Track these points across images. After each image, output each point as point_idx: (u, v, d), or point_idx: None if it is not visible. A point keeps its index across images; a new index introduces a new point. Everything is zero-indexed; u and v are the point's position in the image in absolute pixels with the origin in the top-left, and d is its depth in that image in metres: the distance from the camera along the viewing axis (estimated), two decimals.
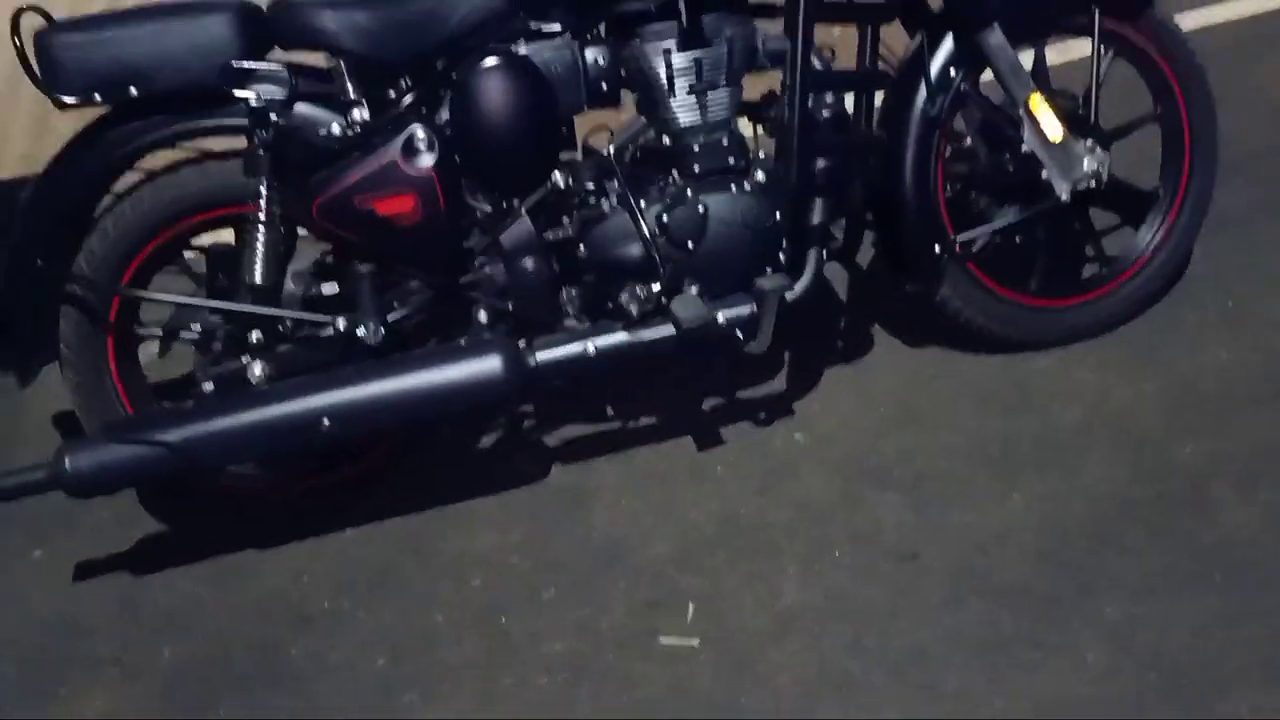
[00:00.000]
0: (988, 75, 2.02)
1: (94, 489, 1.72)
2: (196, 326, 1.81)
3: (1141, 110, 2.18)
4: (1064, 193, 2.02)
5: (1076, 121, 2.03)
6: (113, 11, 1.75)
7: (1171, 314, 2.22)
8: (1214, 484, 1.83)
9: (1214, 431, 1.93)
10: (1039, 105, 1.98)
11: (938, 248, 2.03)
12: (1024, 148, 2.01)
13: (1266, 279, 2.26)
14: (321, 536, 1.97)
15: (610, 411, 2.18)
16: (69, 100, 1.68)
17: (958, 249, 2.06)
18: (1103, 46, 2.04)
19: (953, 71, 1.98)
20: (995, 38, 1.95)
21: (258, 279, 1.76)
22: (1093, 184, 2.03)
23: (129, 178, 1.79)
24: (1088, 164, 2.02)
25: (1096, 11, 2.01)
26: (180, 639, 1.83)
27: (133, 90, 1.68)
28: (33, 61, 1.67)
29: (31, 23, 1.70)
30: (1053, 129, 1.98)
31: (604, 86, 1.83)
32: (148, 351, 1.92)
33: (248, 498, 1.96)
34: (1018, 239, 2.14)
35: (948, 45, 1.97)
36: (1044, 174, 2.02)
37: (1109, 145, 2.07)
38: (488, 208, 1.83)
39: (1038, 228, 2.14)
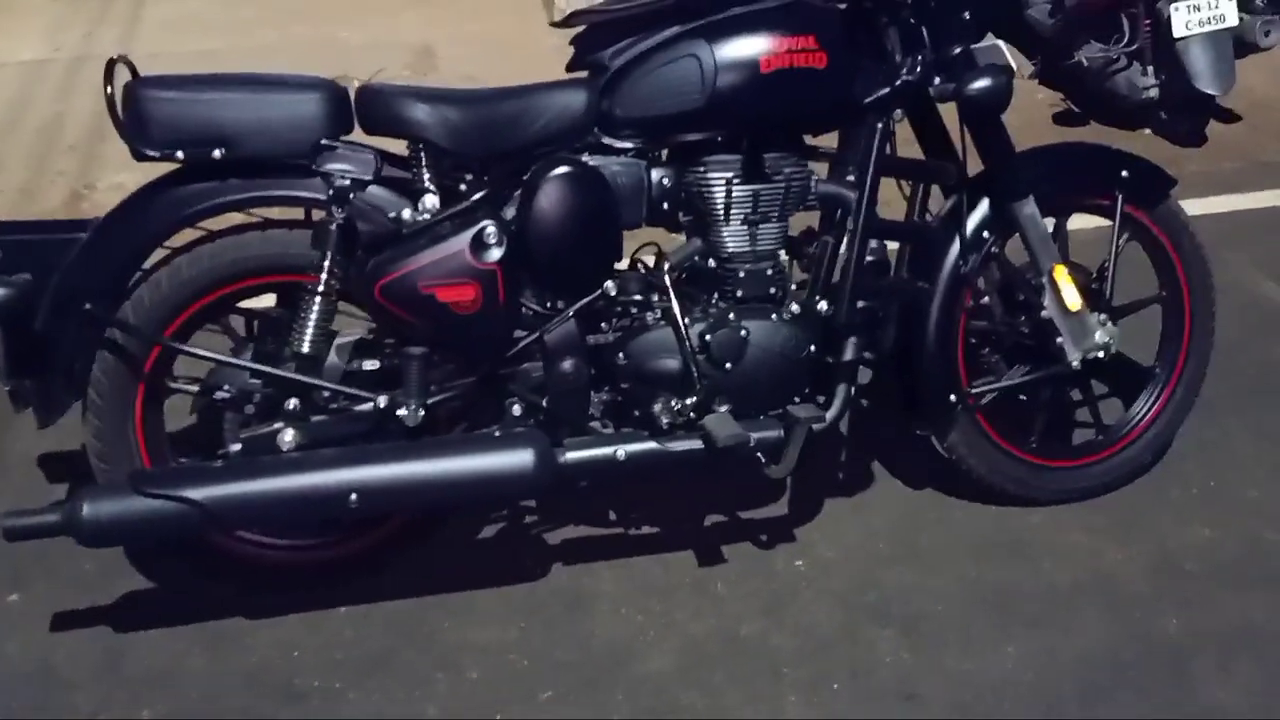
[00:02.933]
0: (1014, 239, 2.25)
1: (108, 539, 1.77)
2: (232, 387, 1.90)
3: (1147, 290, 2.43)
4: (1075, 360, 2.24)
5: (1091, 294, 2.26)
6: (207, 75, 1.88)
7: (1158, 487, 2.43)
8: (1197, 659, 2.00)
9: (1197, 607, 2.12)
10: (1062, 276, 2.20)
11: (952, 397, 2.22)
12: (1043, 313, 2.23)
13: (1242, 463, 2.50)
14: (317, 611, 2.03)
15: (612, 515, 2.30)
16: (151, 154, 1.79)
17: (970, 400, 2.25)
18: (1120, 228, 2.29)
19: (985, 233, 2.20)
20: (1029, 208, 2.18)
21: (306, 348, 1.87)
22: (1101, 354, 2.25)
23: (182, 236, 1.90)
24: (1099, 336, 2.24)
25: (1120, 197, 2.26)
26: (162, 702, 1.87)
27: (218, 153, 1.80)
28: (119, 112, 1.79)
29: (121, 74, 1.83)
30: (1072, 299, 2.20)
31: (664, 206, 2.00)
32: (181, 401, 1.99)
33: (249, 562, 2.01)
34: (1022, 397, 2.35)
35: (983, 209, 2.19)
36: (1058, 340, 2.23)
37: (1118, 319, 2.30)
38: (537, 306, 1.97)
39: (1042, 389, 2.34)
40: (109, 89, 1.80)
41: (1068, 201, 2.30)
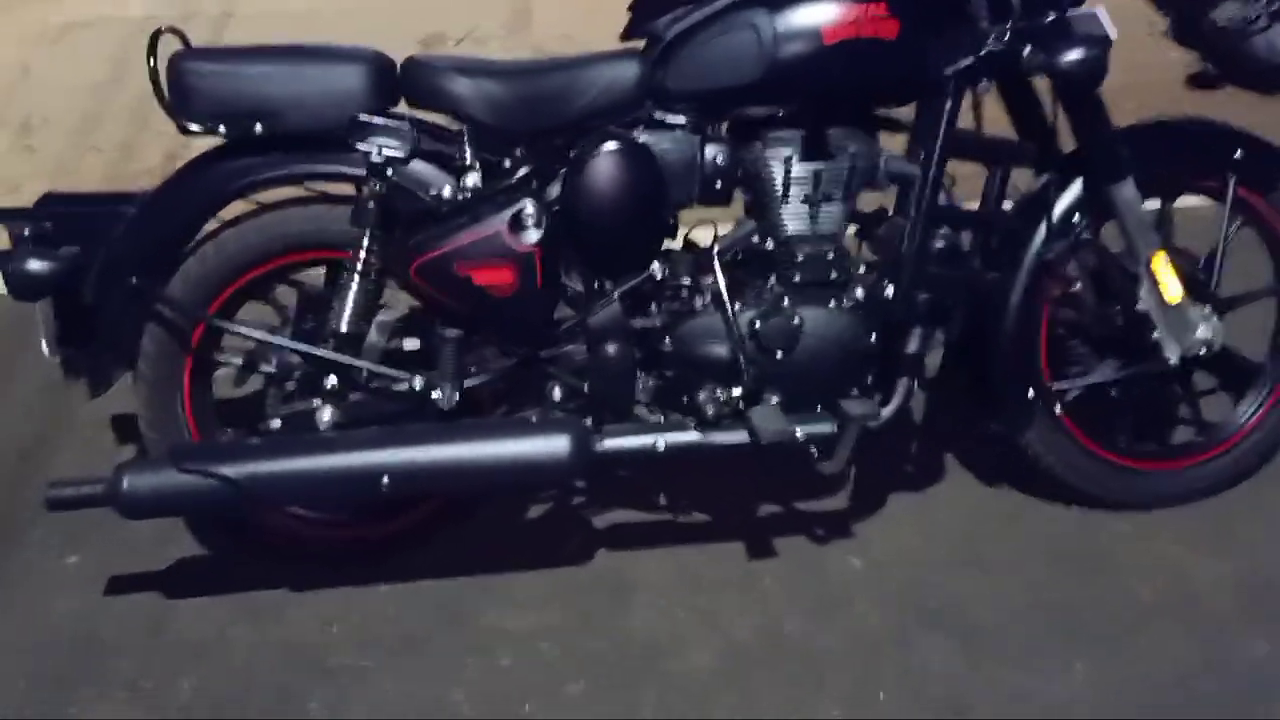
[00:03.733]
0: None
1: (148, 512, 1.82)
2: (274, 363, 1.91)
3: (1260, 281, 2.23)
4: (1174, 357, 2.08)
5: (1195, 285, 2.09)
6: (250, 46, 1.87)
7: (1261, 496, 2.25)
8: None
9: None
10: (1161, 265, 2.04)
11: (1031, 392, 2.09)
12: (1139, 305, 2.07)
13: None
14: (356, 588, 2.05)
15: (662, 501, 2.26)
16: (194, 128, 1.80)
17: (1052, 395, 2.11)
18: (1232, 213, 2.11)
19: (1076, 217, 2.04)
20: (1127, 190, 2.01)
21: (344, 327, 1.86)
22: (1203, 352, 2.08)
23: (234, 207, 1.91)
24: (1202, 331, 2.07)
25: (1232, 180, 2.07)
26: (200, 671, 1.91)
27: (258, 127, 1.79)
28: (164, 85, 1.79)
29: (166, 46, 1.83)
30: (1173, 291, 2.04)
31: (717, 184, 1.91)
32: (223, 376, 2.02)
33: (291, 537, 2.04)
34: (1112, 393, 2.20)
35: (1075, 190, 2.03)
36: (1155, 334, 2.08)
37: (1224, 313, 2.12)
38: (581, 287, 1.92)
39: (1135, 386, 2.19)
40: (153, 60, 1.80)
41: (1173, 183, 2.12)
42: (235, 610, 2.02)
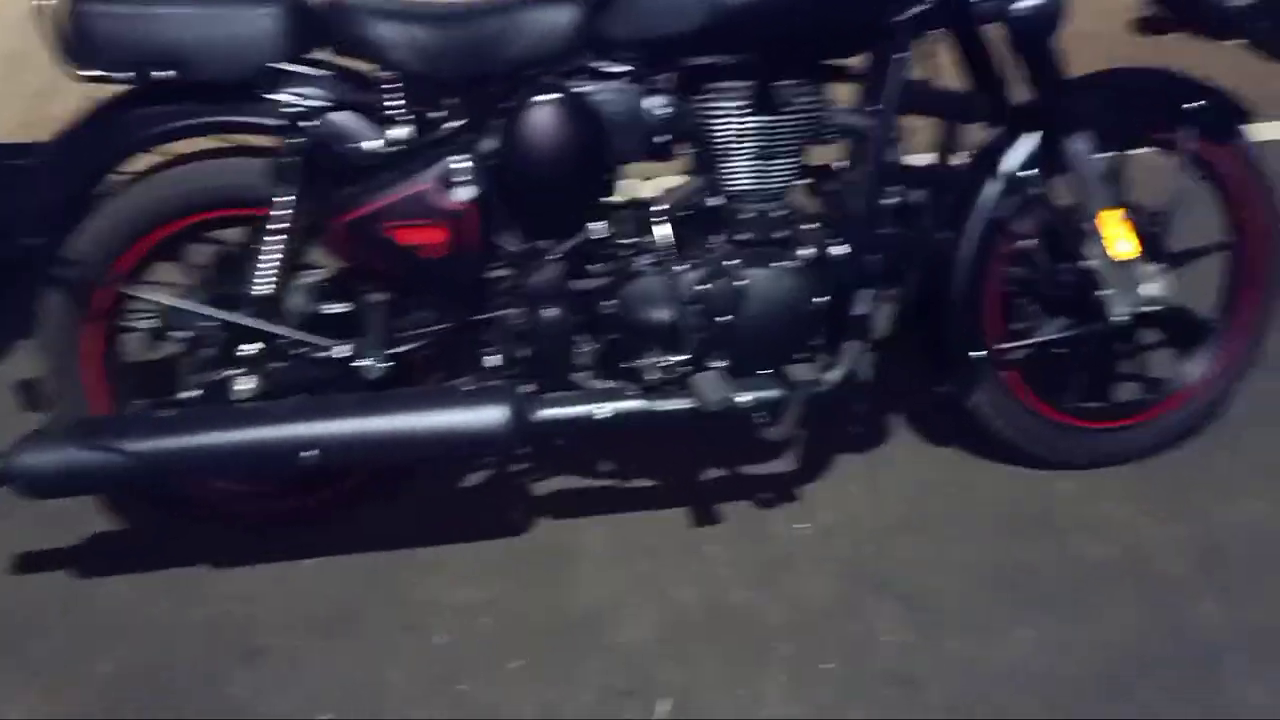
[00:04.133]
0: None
1: (47, 491, 1.71)
2: (188, 329, 1.80)
3: (1213, 236, 2.20)
4: (1122, 315, 2.04)
5: (1147, 240, 2.05)
6: None
7: (1208, 454, 2.25)
8: (1230, 655, 1.85)
9: (1237, 595, 1.95)
10: (1113, 221, 2.00)
11: (979, 354, 2.05)
12: (1089, 262, 2.03)
13: None
14: (282, 562, 1.97)
15: (605, 467, 2.19)
16: (92, 73, 1.66)
17: (999, 355, 2.07)
18: (1186, 167, 2.06)
19: (1029, 172, 1.98)
20: (1079, 145, 1.96)
21: (262, 290, 1.76)
22: (1152, 309, 2.05)
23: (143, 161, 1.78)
24: (1151, 289, 2.03)
25: (1185, 133, 2.03)
26: (120, 650, 1.83)
27: (167, 75, 1.66)
28: (55, 28, 1.65)
29: None
30: (1123, 247, 2.00)
31: (661, 138, 1.82)
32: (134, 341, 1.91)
33: (214, 508, 1.95)
34: (1061, 352, 2.16)
35: (1029, 145, 1.98)
36: (1104, 292, 2.04)
37: (1175, 269, 2.09)
38: (518, 246, 1.83)
39: (1084, 345, 2.15)
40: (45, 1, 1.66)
41: (1127, 136, 2.06)
42: (155, 587, 1.93)
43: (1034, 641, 1.88)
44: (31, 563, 1.96)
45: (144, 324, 1.82)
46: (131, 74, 1.67)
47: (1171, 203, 2.07)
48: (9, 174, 1.73)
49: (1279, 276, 2.20)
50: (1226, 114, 2.07)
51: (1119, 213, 2.00)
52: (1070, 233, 2.05)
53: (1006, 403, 2.12)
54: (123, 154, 1.75)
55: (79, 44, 1.66)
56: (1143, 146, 2.10)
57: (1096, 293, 2.05)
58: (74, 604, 1.90)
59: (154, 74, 1.66)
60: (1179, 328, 2.25)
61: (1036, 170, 1.99)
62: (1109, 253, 2.01)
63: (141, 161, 1.78)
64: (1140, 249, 2.03)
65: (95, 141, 1.74)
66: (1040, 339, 2.10)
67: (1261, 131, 2.11)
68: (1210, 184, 2.14)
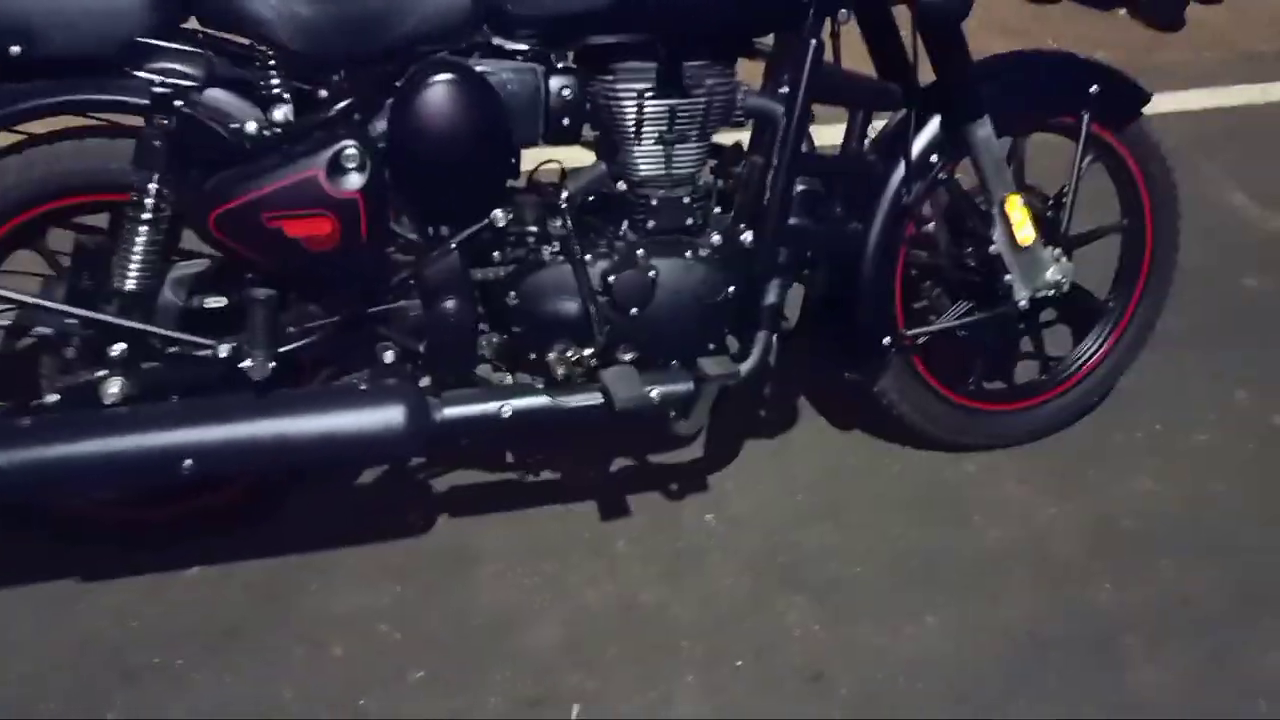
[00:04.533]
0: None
1: None
2: (48, 327, 1.63)
3: (1107, 218, 2.22)
4: (1023, 300, 2.05)
5: (1047, 225, 2.06)
6: None
7: (1100, 433, 2.28)
8: (1126, 636, 1.88)
9: (1131, 575, 1.99)
10: (1015, 207, 1.99)
11: (886, 340, 2.02)
12: (991, 247, 2.02)
13: (1194, 406, 2.36)
14: (159, 574, 1.83)
15: (508, 458, 2.11)
16: None
17: (906, 342, 2.06)
18: (1085, 151, 2.07)
19: (934, 157, 1.96)
20: (984, 130, 1.94)
21: (129, 284, 1.60)
22: (1053, 293, 2.06)
23: None
24: (1052, 273, 2.05)
25: (1086, 117, 2.03)
26: None
27: (14, 49, 1.49)
28: None
29: None
30: (1024, 233, 2.00)
31: (565, 121, 1.72)
32: None
33: (81, 519, 1.80)
34: (962, 335, 2.16)
35: (932, 130, 1.95)
36: (1006, 277, 2.04)
37: (1074, 251, 2.10)
38: (413, 235, 1.71)
39: (986, 329, 2.15)
40: None
41: (1028, 120, 2.06)
42: (21, 603, 1.78)
43: (938, 629, 1.89)
44: None
45: (0, 320, 1.65)
46: None
47: (1070, 185, 2.07)
48: None
49: (1172, 256, 2.23)
50: (1126, 97, 2.08)
51: (1020, 197, 2.00)
52: (972, 216, 2.04)
53: (912, 387, 2.11)
54: None
55: None
56: (1043, 129, 2.10)
57: (999, 277, 2.05)
58: None
59: (6, 48, 1.49)
60: (1075, 308, 2.28)
61: (941, 155, 1.96)
62: (1012, 239, 2.01)
63: None
64: (1040, 234, 2.03)
65: None
66: (945, 324, 2.09)
67: (1153, 104, 2.12)
68: (1108, 165, 2.16)
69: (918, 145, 1.94)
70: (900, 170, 1.93)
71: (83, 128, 1.63)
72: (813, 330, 2.03)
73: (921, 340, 2.09)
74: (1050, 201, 2.11)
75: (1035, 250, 2.03)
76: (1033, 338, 2.32)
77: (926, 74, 1.93)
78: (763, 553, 1.99)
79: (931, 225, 2.08)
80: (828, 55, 1.85)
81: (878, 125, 1.98)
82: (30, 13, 1.49)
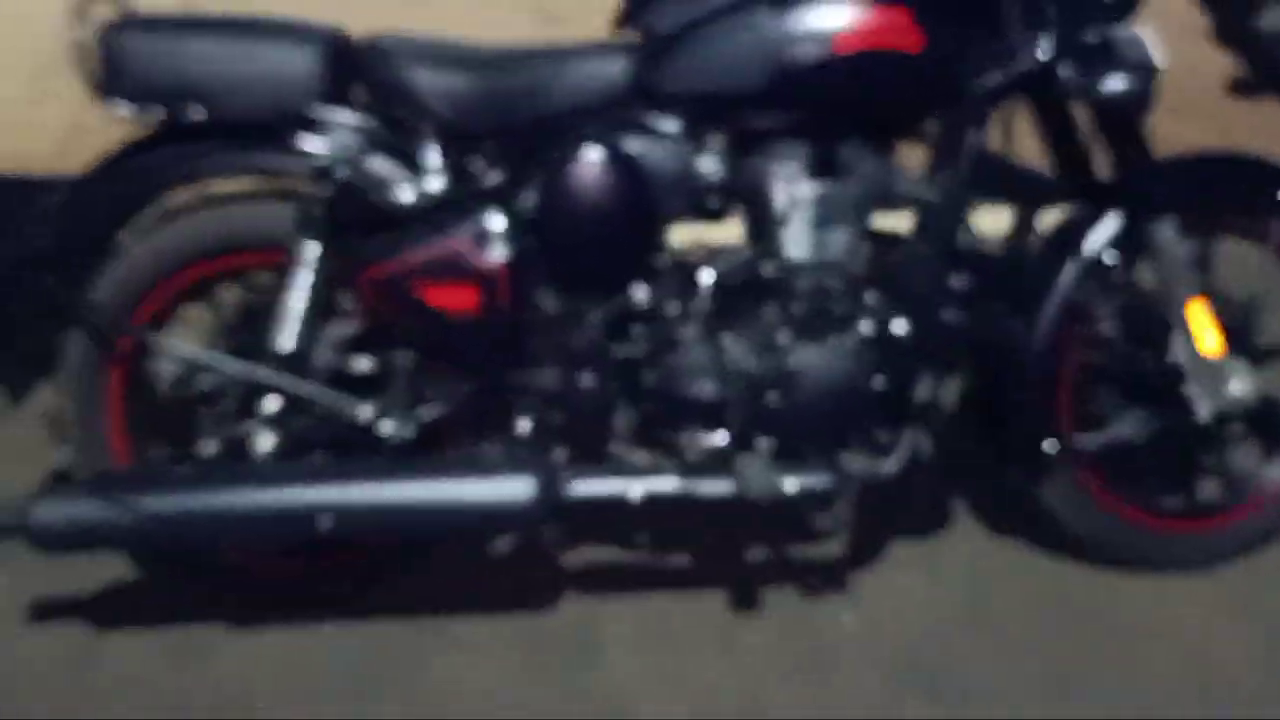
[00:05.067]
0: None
1: (60, 545, 1.63)
2: (210, 380, 1.71)
3: None
4: (1207, 413, 1.88)
5: (1233, 334, 1.90)
6: (194, 18, 1.66)
7: None
8: None
9: None
10: (1199, 314, 1.85)
11: (1049, 445, 1.89)
12: (1172, 355, 1.87)
13: None
14: (295, 626, 1.86)
15: (639, 539, 2.06)
16: (122, 107, 1.59)
17: (1072, 449, 1.92)
18: (1276, 258, 1.90)
19: (1108, 256, 1.84)
20: (1166, 230, 1.81)
21: (286, 343, 1.67)
22: (1239, 409, 1.89)
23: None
24: (1239, 387, 1.88)
25: (1275, 223, 1.86)
26: (121, 715, 1.73)
27: (197, 112, 1.59)
28: (93, 56, 1.59)
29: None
30: (1209, 343, 1.85)
31: (711, 200, 1.70)
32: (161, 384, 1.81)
33: (226, 568, 1.85)
34: (1137, 446, 1.99)
35: (1108, 226, 1.83)
36: (1188, 388, 1.88)
37: (1263, 364, 1.93)
38: (555, 307, 1.72)
39: (1163, 440, 1.98)
40: (80, 28, 1.59)
41: (1216, 222, 1.91)
42: (165, 647, 1.83)
43: None
44: (43, 614, 1.88)
45: (166, 372, 1.74)
46: (161, 109, 1.59)
47: (1260, 294, 1.91)
48: (38, 210, 1.66)
49: None
50: None
51: (1204, 302, 1.85)
52: (1152, 321, 1.90)
53: (1077, 496, 1.96)
54: (151, 193, 1.68)
55: (109, 76, 1.59)
56: (1231, 234, 1.95)
57: (1179, 387, 1.89)
58: (82, 662, 1.81)
59: (183, 110, 1.59)
60: (1264, 424, 2.08)
61: (1118, 252, 1.84)
62: (1195, 347, 1.86)
63: (170, 201, 1.70)
64: (1227, 344, 1.87)
65: (124, 180, 1.67)
66: (1118, 435, 1.94)
67: None
68: None
69: (1091, 242, 1.83)
70: (1070, 267, 1.82)
71: (253, 190, 1.71)
72: (969, 428, 1.92)
73: (1090, 448, 1.95)
74: (1239, 310, 1.95)
75: (1220, 361, 1.87)
76: (1217, 452, 2.12)
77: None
78: (900, 659, 1.86)
79: (1105, 326, 1.95)
80: (997, 142, 1.78)
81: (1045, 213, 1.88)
82: (212, 80, 1.58)
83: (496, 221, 1.61)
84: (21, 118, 3.46)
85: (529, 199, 1.67)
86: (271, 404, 1.69)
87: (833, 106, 1.66)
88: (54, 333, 1.69)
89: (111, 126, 1.63)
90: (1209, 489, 2.11)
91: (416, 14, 4.24)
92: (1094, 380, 1.96)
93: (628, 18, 1.71)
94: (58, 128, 3.30)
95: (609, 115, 1.67)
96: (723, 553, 2.04)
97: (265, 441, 1.68)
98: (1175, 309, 1.85)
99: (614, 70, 1.66)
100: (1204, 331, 1.84)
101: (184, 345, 1.70)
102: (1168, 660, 1.87)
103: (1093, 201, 1.80)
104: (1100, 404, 1.97)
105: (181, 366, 1.71)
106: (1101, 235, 1.83)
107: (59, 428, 1.74)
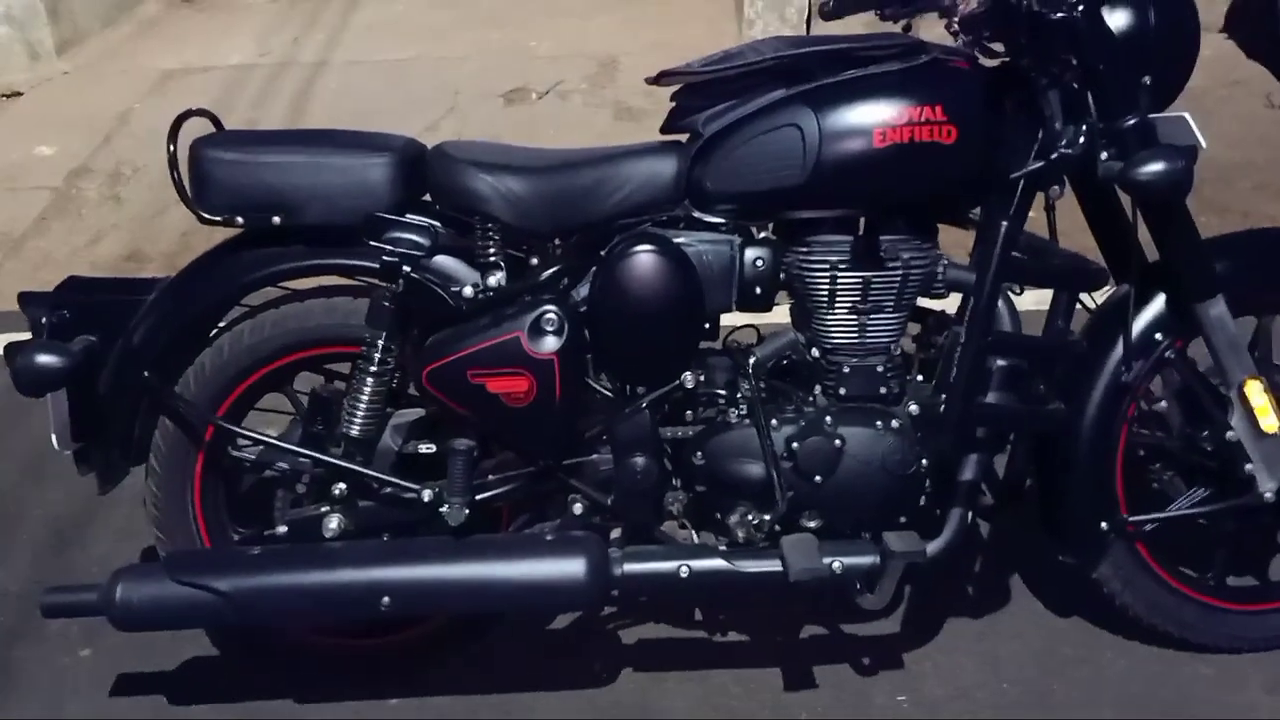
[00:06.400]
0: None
1: (141, 625, 1.73)
2: (284, 464, 1.81)
3: None
4: (1270, 492, 1.84)
5: None
6: (274, 132, 1.79)
7: None
8: None
9: None
10: (1256, 392, 1.82)
11: (1105, 525, 1.87)
12: (1230, 433, 1.84)
13: None
14: (366, 701, 1.93)
15: (695, 615, 2.08)
16: (212, 218, 1.72)
17: (1129, 528, 1.89)
18: None
19: (1159, 336, 1.83)
20: (1216, 309, 1.80)
21: (355, 430, 1.76)
22: None
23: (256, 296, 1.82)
24: None
25: None
26: None
27: (276, 219, 1.71)
28: (184, 171, 1.72)
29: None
30: (1269, 420, 1.82)
31: (758, 290, 1.76)
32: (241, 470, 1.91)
33: (297, 643, 1.93)
34: (1199, 523, 1.96)
35: (1156, 307, 1.83)
36: (1248, 465, 1.85)
37: None
38: (608, 393, 1.78)
39: (1224, 519, 1.94)
40: (173, 146, 1.73)
41: (1266, 300, 1.89)
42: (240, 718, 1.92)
43: None
44: (127, 686, 1.98)
45: (245, 458, 1.84)
46: (247, 218, 1.72)
47: None
48: (129, 308, 1.79)
49: None
50: None
51: (1262, 381, 1.82)
52: (1210, 399, 1.88)
53: (1139, 577, 1.93)
54: (236, 294, 1.79)
55: (197, 189, 1.72)
56: None
57: (1239, 464, 1.86)
58: None
59: (269, 218, 1.70)
60: None
61: (1167, 333, 1.83)
62: (1255, 425, 1.83)
63: (254, 299, 1.82)
64: None
65: (210, 282, 1.79)
66: (1178, 513, 1.91)
67: None
68: None
69: (1140, 322, 1.83)
70: (1119, 348, 1.82)
71: (329, 287, 1.82)
72: (1022, 509, 1.91)
73: (1148, 527, 1.92)
74: None
75: None
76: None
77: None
78: None
79: (1161, 404, 1.93)
80: (1042, 228, 1.79)
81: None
82: (295, 188, 1.70)
83: (549, 314, 1.68)
84: (146, 226, 3.70)
85: (582, 291, 1.74)
86: (341, 487, 1.78)
87: (873, 198, 1.70)
88: (147, 422, 1.81)
89: (216, 232, 1.76)
90: (1278, 569, 2.06)
91: (516, 113, 4.48)
92: (1153, 458, 1.94)
93: (671, 123, 1.79)
94: (175, 233, 3.54)
95: (660, 212, 1.74)
96: (777, 629, 2.05)
97: (333, 523, 1.77)
98: (1231, 387, 1.83)
99: (664, 170, 1.73)
100: (1264, 410, 1.81)
101: (261, 433, 1.80)
102: None
103: (1138, 282, 1.80)
104: (1160, 482, 1.95)
105: (259, 453, 1.81)
106: (1149, 315, 1.82)
107: (149, 510, 1.85)
